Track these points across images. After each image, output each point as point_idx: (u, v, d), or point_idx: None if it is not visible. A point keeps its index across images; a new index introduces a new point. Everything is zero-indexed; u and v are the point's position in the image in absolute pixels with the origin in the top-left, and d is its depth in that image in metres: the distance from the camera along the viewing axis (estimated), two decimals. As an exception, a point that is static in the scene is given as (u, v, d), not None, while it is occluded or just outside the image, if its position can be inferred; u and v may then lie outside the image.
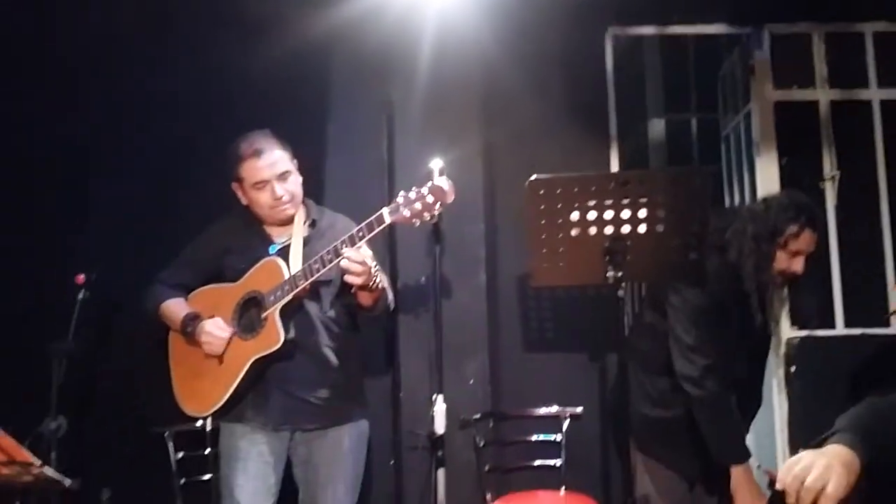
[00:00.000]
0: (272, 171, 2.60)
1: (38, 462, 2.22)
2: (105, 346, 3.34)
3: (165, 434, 3.23)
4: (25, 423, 2.82)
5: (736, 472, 2.44)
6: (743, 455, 2.47)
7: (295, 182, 2.67)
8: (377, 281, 2.53)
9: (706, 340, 2.48)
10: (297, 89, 3.43)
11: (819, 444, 1.38)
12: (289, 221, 2.69)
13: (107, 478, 3.10)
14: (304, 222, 2.70)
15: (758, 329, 2.58)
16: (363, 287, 2.51)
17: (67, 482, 2.30)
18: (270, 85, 3.41)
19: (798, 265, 2.51)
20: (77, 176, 3.39)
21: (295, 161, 2.68)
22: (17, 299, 3.29)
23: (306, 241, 2.65)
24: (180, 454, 3.24)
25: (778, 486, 1.42)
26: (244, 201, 2.70)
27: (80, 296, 2.97)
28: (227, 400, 2.56)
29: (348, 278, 2.46)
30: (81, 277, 2.98)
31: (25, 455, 2.20)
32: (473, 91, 3.43)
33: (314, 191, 3.00)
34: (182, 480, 3.21)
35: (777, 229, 2.47)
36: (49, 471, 2.27)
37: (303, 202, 2.73)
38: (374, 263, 2.50)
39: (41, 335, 2.90)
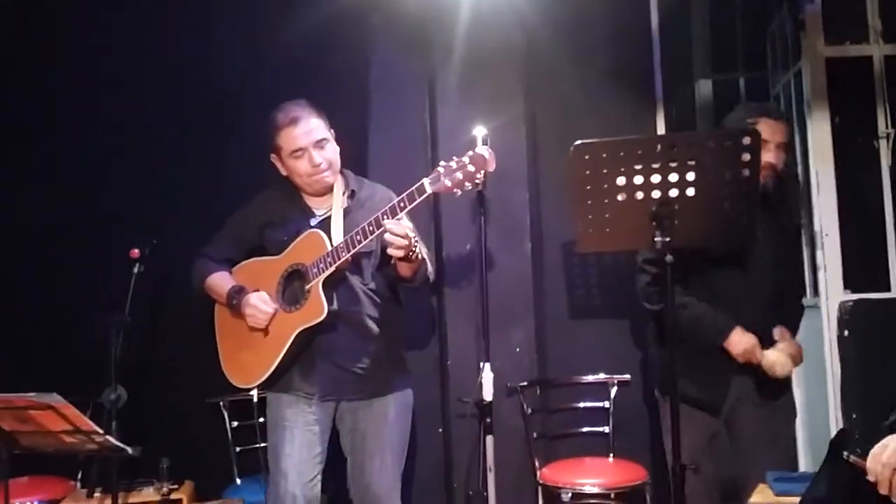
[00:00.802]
0: (309, 138, 2.60)
1: (101, 431, 2.29)
2: (161, 319, 3.43)
3: (220, 404, 3.32)
4: (87, 394, 2.93)
5: (728, 343, 2.60)
6: (724, 330, 2.61)
7: (332, 150, 2.66)
8: (417, 252, 2.52)
9: (655, 259, 2.63)
10: (336, 59, 3.44)
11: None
12: (328, 191, 2.69)
13: (165, 447, 3.19)
14: (343, 193, 2.69)
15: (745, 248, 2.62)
16: (403, 258, 2.51)
17: (130, 450, 2.37)
18: (310, 55, 3.42)
19: (769, 155, 2.57)
20: (130, 151, 3.46)
21: (332, 130, 2.67)
22: (77, 274, 3.39)
23: (346, 212, 2.65)
24: (235, 423, 3.33)
25: (870, 478, 1.38)
26: (283, 172, 2.70)
27: (136, 270, 3.04)
28: (273, 371, 2.59)
29: (390, 250, 2.47)
30: (136, 251, 3.04)
31: (89, 424, 2.26)
32: (515, 56, 3.39)
33: (357, 161, 3.01)
34: (237, 448, 3.31)
35: (735, 128, 2.60)
36: (112, 439, 2.34)
37: (341, 172, 2.73)
38: (415, 235, 2.50)
39: (100, 309, 2.98)
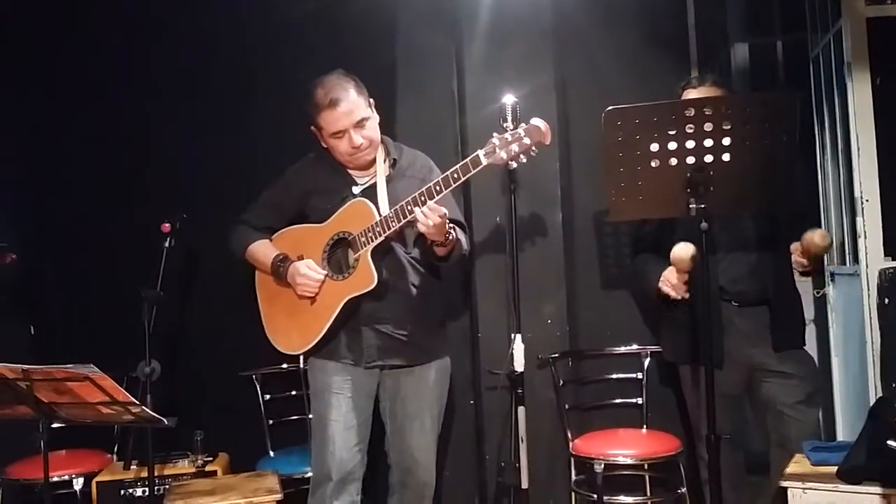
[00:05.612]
0: (349, 119, 2.58)
1: (137, 402, 2.31)
2: (193, 292, 3.46)
3: (253, 377, 3.35)
4: (121, 369, 2.96)
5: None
6: (655, 280, 2.76)
7: (373, 126, 2.66)
8: (451, 236, 2.57)
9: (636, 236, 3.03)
10: (364, 25, 3.40)
11: None
12: (370, 165, 2.70)
13: (199, 420, 3.23)
14: (385, 161, 2.71)
15: None
16: (436, 242, 2.56)
17: (166, 421, 2.40)
18: (337, 24, 3.39)
19: None
20: (160, 126, 3.46)
21: (371, 101, 2.66)
22: (109, 250, 3.42)
23: (389, 181, 2.67)
24: (268, 396, 3.36)
25: None
26: (323, 144, 2.71)
27: (167, 244, 3.06)
28: (321, 339, 2.65)
29: (421, 229, 2.49)
30: (167, 226, 3.07)
31: (126, 395, 2.29)
32: (544, 20, 3.31)
33: (386, 128, 2.96)
34: (270, 421, 3.34)
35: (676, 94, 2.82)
36: (148, 409, 2.37)
37: (381, 141, 2.73)
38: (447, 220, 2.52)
39: (133, 284, 3.00)
